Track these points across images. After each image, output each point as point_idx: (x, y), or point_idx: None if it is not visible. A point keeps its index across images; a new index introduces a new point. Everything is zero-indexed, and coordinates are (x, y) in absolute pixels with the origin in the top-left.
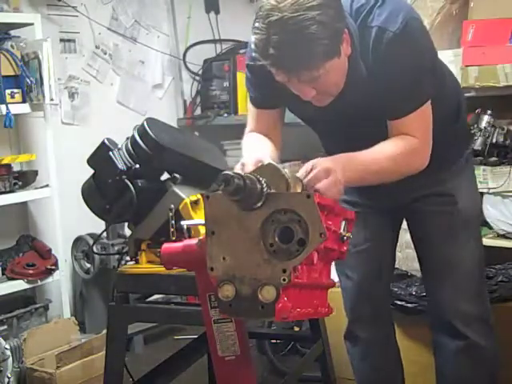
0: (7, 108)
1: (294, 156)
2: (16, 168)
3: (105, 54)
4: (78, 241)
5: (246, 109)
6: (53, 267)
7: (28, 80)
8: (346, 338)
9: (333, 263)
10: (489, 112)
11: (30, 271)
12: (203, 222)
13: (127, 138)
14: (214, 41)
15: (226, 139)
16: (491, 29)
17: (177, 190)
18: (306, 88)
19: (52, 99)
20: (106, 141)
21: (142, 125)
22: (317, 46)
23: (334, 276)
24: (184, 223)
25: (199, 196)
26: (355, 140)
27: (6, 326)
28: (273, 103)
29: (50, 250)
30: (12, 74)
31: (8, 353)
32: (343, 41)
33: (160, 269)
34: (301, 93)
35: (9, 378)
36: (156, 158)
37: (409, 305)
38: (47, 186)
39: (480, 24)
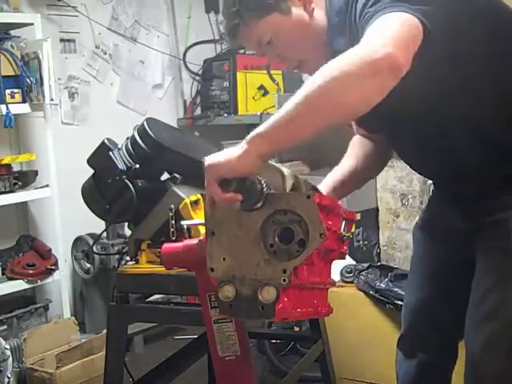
0: (7, 108)
1: (294, 156)
2: (16, 168)
3: (105, 54)
4: (78, 241)
5: (246, 109)
6: (53, 267)
7: (28, 80)
8: (398, 347)
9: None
10: None
11: (30, 271)
12: (203, 221)
13: (127, 138)
14: (213, 41)
15: (226, 139)
16: None
17: (177, 190)
18: (269, 54)
19: (52, 99)
20: (105, 141)
21: (142, 125)
22: (245, 4)
23: (334, 276)
24: (184, 223)
25: (199, 196)
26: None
27: (5, 326)
28: None
29: (50, 250)
30: (12, 74)
31: (8, 353)
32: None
33: (160, 269)
34: (269, 60)
35: (9, 378)
36: (156, 158)
37: None
38: (47, 186)
39: None
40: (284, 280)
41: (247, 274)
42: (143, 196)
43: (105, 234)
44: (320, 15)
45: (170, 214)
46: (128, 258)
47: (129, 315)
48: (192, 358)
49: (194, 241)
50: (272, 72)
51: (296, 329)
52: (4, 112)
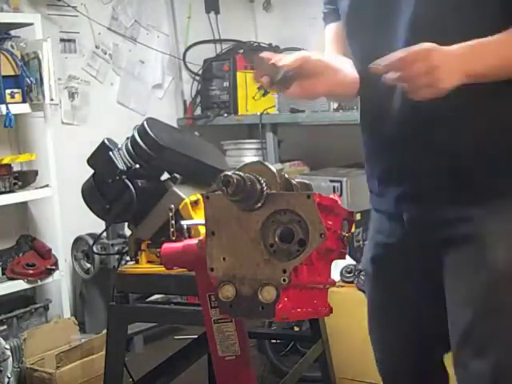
0: (7, 108)
1: (294, 156)
2: (16, 168)
3: (105, 54)
4: (78, 241)
5: (246, 109)
6: (53, 267)
7: (28, 80)
8: None
9: None
10: None
11: (30, 271)
12: (203, 221)
13: (127, 138)
14: (214, 41)
15: (226, 139)
16: None
17: (177, 190)
18: None
19: (52, 99)
20: (105, 141)
21: (142, 125)
22: None
23: (334, 276)
24: (184, 223)
25: (199, 196)
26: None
27: (5, 326)
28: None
29: (50, 250)
30: (12, 74)
31: (8, 353)
32: None
33: (160, 269)
34: None
35: (9, 377)
36: (156, 158)
37: None
38: (47, 186)
39: None
40: (284, 280)
41: (247, 273)
42: (143, 196)
43: (105, 234)
44: None
45: (170, 214)
46: (128, 258)
47: (129, 315)
48: (192, 358)
49: (194, 241)
50: None
51: (296, 329)
52: (4, 112)
